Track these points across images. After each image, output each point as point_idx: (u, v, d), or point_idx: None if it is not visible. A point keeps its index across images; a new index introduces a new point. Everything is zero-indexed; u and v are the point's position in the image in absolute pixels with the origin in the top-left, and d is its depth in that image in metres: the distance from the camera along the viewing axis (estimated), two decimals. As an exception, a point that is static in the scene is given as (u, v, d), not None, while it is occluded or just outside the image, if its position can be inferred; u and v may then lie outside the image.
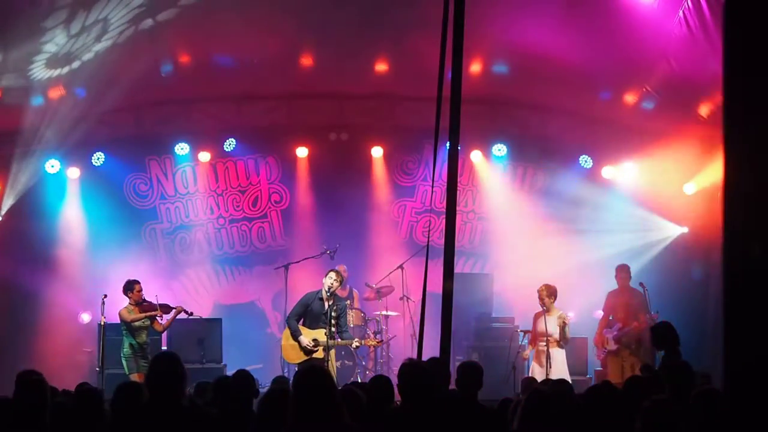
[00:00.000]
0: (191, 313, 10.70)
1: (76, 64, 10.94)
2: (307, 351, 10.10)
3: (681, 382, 5.72)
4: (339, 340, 10.12)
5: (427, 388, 5.58)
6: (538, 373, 10.29)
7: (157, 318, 10.42)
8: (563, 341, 10.15)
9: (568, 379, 9.71)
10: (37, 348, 11.80)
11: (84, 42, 10.56)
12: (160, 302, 10.48)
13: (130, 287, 10.31)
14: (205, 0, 10.29)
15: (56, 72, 11.02)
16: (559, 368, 10.16)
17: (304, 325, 10.24)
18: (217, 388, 5.92)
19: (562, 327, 10.07)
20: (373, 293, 12.67)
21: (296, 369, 9.76)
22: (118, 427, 4.92)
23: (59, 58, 10.75)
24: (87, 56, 10.85)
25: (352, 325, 11.55)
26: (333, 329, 9.92)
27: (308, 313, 10.23)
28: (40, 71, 10.94)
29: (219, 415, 5.36)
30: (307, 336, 10.11)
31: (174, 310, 10.44)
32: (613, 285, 11.47)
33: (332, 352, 10.07)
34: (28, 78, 10.82)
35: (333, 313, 9.93)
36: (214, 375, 10.32)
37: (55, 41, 10.37)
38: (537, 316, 10.49)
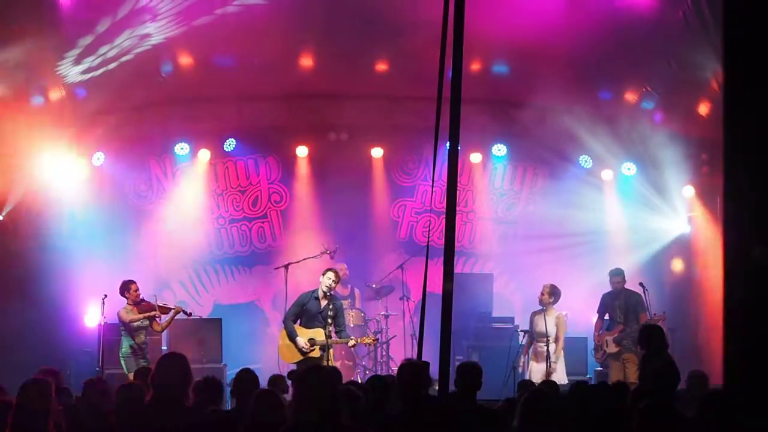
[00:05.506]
0: (190, 314, 10.73)
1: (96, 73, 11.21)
2: (303, 352, 10.07)
3: (667, 383, 5.81)
4: (336, 338, 10.10)
5: (425, 388, 5.59)
6: (536, 373, 10.37)
7: (156, 318, 10.44)
8: (558, 341, 10.33)
9: (565, 380, 9.84)
10: (37, 348, 11.78)
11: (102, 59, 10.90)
12: (159, 303, 10.51)
13: (127, 287, 10.35)
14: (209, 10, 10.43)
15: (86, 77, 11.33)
16: (558, 369, 10.30)
17: (300, 324, 10.21)
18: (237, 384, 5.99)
19: (558, 326, 10.27)
20: (374, 293, 12.69)
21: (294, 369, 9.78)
22: (120, 425, 4.93)
23: (83, 73, 11.13)
24: (102, 70, 11.12)
25: (352, 325, 11.57)
26: (330, 328, 9.89)
27: (304, 313, 10.16)
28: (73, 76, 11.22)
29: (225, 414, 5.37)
30: (303, 336, 10.05)
31: (172, 311, 10.46)
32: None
33: (331, 351, 10.05)
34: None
35: (330, 312, 9.91)
36: (214, 375, 10.41)
37: (75, 69, 10.86)
38: (534, 315, 10.64)
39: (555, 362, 10.33)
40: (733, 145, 2.49)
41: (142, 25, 10.47)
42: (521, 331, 11.08)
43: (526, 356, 10.68)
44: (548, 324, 10.33)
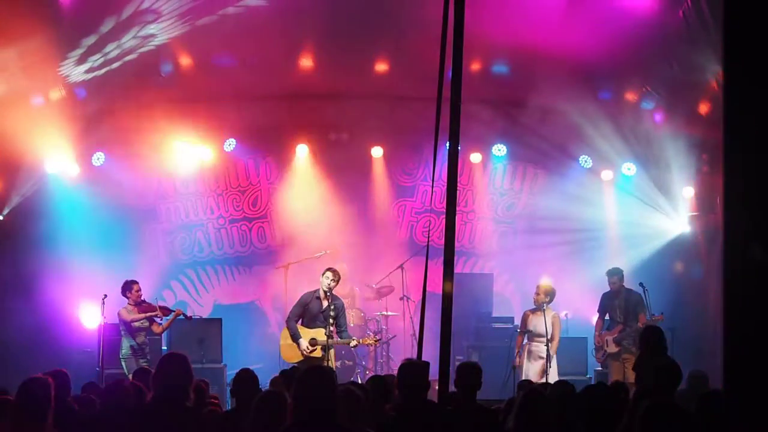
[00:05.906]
0: (190, 317, 10.79)
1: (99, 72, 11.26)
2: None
3: (668, 382, 5.84)
4: (338, 339, 10.09)
5: (425, 388, 5.59)
6: (533, 373, 10.37)
7: (156, 320, 10.47)
8: (553, 340, 10.35)
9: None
10: (37, 348, 11.79)
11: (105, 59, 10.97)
12: (160, 305, 10.56)
13: (129, 288, 10.40)
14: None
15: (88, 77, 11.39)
16: (552, 367, 10.31)
17: (302, 324, 10.21)
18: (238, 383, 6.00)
19: (554, 326, 10.39)
20: (374, 293, 12.69)
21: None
22: (120, 425, 4.93)
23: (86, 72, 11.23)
24: (105, 69, 11.16)
25: (352, 325, 11.57)
26: (332, 328, 9.89)
27: (306, 313, 10.18)
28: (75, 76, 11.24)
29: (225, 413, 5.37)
30: (305, 335, 10.06)
31: (173, 314, 10.49)
32: (610, 285, 11.47)
33: (332, 351, 10.05)
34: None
35: (332, 313, 9.91)
36: (214, 375, 10.43)
37: (78, 68, 10.97)
38: (529, 315, 10.63)
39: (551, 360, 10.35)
40: (733, 145, 2.50)
41: (146, 26, 10.47)
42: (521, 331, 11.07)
43: (522, 356, 10.67)
44: (546, 323, 10.34)
